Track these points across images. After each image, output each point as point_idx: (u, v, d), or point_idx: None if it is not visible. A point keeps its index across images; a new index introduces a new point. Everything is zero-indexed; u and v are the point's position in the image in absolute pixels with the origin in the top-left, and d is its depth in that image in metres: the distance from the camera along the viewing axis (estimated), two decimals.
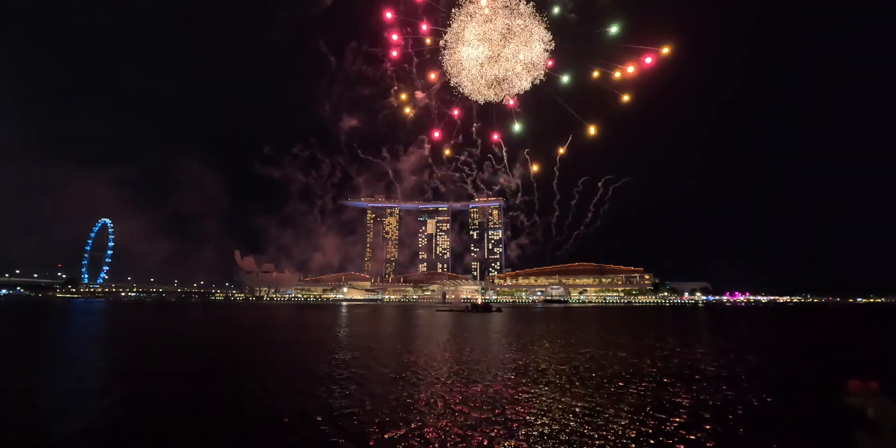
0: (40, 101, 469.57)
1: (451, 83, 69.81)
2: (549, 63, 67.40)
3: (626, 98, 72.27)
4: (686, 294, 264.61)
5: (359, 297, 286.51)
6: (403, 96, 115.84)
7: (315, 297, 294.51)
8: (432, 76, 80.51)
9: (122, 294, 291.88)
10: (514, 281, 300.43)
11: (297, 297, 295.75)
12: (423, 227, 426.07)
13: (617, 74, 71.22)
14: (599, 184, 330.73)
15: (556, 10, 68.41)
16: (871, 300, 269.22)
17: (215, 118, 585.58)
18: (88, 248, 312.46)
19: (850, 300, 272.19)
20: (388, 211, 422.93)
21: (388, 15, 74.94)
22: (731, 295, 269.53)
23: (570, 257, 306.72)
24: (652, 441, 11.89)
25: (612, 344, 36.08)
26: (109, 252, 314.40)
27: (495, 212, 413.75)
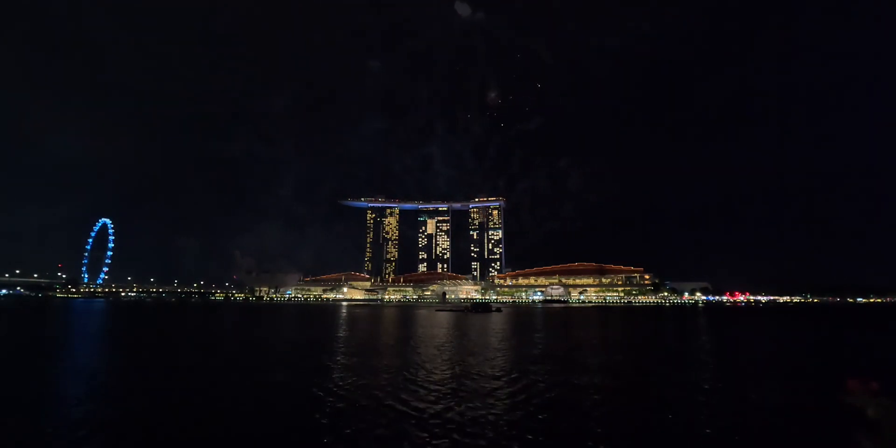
0: None
1: None
2: None
3: None
4: (686, 294, 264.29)
5: (359, 298, 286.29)
6: None
7: (315, 297, 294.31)
8: None
9: (122, 294, 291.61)
10: (514, 281, 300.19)
11: (297, 297, 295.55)
12: (423, 227, 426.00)
13: None
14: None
15: None
16: (871, 300, 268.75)
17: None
18: (88, 247, 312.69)
19: (850, 300, 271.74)
20: (388, 211, 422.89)
21: None
22: (731, 295, 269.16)
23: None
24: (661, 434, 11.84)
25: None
26: (109, 252, 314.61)
27: (495, 212, 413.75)
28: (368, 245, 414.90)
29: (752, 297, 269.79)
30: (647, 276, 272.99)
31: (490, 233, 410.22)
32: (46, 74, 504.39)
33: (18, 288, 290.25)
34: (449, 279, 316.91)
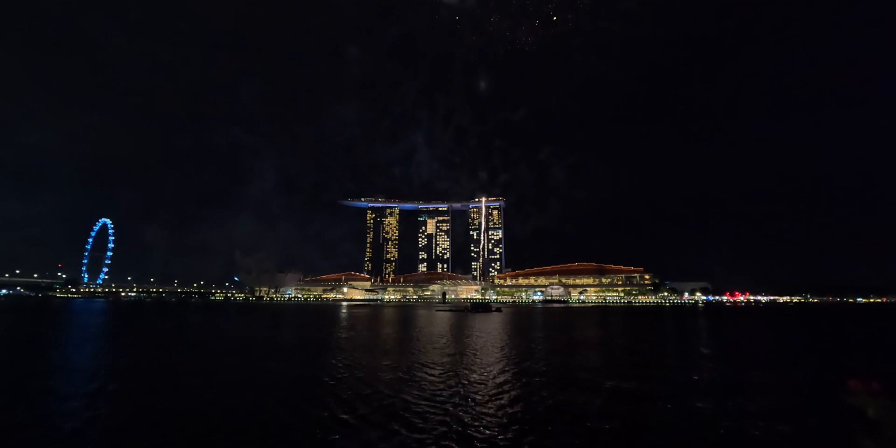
0: None
1: None
2: None
3: None
4: (686, 294, 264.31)
5: (359, 298, 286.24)
6: None
7: (315, 297, 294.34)
8: None
9: (122, 294, 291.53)
10: (514, 281, 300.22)
11: (297, 297, 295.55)
12: (423, 227, 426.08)
13: None
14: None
15: None
16: (871, 300, 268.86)
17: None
18: (88, 247, 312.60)
19: (850, 300, 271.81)
20: (388, 211, 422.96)
21: None
22: (731, 295, 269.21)
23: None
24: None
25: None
26: (109, 252, 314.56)
27: (495, 212, 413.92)
28: (368, 245, 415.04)
29: (752, 297, 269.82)
30: (647, 276, 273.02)
31: (490, 233, 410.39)
32: (41, 74, 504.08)
33: (18, 288, 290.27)
34: (449, 279, 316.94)
